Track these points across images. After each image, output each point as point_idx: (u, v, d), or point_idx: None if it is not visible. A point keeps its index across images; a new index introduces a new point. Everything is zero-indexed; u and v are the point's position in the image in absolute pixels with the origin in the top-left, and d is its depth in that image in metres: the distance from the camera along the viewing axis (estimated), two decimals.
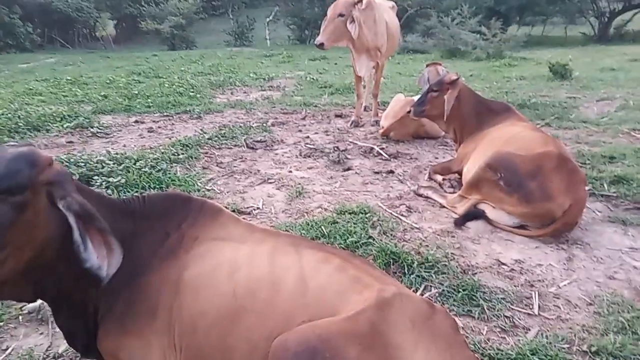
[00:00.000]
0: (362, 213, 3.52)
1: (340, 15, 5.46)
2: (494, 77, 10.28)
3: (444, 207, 3.73)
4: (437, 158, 4.95)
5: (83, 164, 4.16)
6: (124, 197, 3.62)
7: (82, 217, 1.34)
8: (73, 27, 25.84)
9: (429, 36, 17.88)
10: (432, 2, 21.12)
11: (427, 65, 6.10)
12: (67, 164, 4.21)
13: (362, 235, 3.12)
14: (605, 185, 3.94)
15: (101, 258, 1.35)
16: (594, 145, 5.04)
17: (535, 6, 21.66)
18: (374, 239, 3.10)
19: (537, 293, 2.62)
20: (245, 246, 1.64)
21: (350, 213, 3.54)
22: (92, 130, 5.93)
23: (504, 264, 2.94)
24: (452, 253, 3.02)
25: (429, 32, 17.92)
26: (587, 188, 3.39)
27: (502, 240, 3.23)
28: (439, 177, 4.20)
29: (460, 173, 3.98)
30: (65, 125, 6.05)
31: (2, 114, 6.30)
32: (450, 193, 3.91)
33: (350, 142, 5.52)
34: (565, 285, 2.71)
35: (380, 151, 5.07)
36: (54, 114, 6.46)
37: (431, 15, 18.22)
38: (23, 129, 5.84)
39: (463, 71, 11.35)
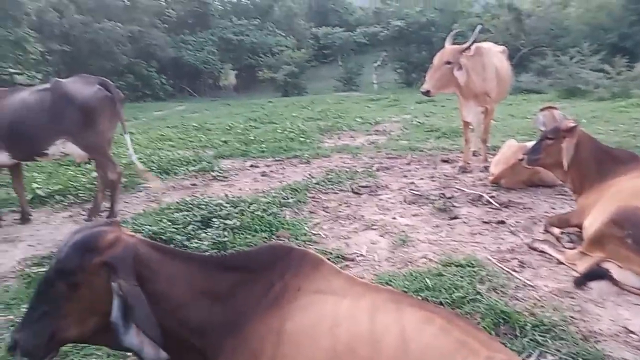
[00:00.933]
0: (470, 266, 3.40)
1: (448, 62, 5.47)
2: (619, 118, 9.44)
3: (561, 263, 3.46)
4: (554, 209, 4.63)
5: (204, 206, 4.55)
6: (239, 238, 3.91)
7: (125, 304, 1.46)
8: (200, 78, 28.72)
9: (544, 75, 17.04)
10: (548, 40, 20.18)
11: (541, 109, 5.84)
12: (190, 205, 4.65)
13: (470, 291, 3.00)
14: None
15: (140, 342, 1.44)
16: None
17: None
18: (482, 296, 2.97)
19: None
20: (346, 300, 1.64)
21: (456, 265, 3.43)
22: (212, 173, 6.49)
23: (632, 332, 2.63)
24: (571, 316, 2.78)
25: (544, 71, 17.07)
26: None
27: (631, 305, 2.90)
28: (557, 230, 3.91)
29: (580, 227, 3.68)
30: (190, 169, 6.69)
31: (139, 159, 7.14)
32: (569, 248, 3.63)
33: (458, 189, 5.39)
34: None
35: (490, 199, 4.88)
36: (181, 158, 7.19)
37: (546, 54, 17.35)
38: (155, 172, 6.57)
39: (584, 112, 10.60)
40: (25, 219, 5.01)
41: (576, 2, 23.34)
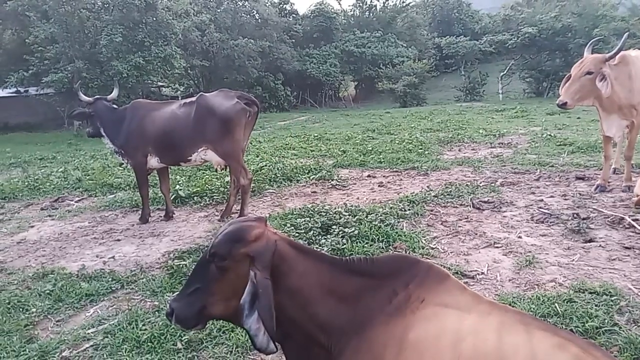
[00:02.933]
0: (607, 294, 3.10)
1: (588, 73, 5.05)
2: None
3: None
4: None
5: (324, 214, 4.74)
6: (357, 246, 4.01)
7: (255, 292, 1.62)
8: (321, 89, 29.82)
9: None
10: None
11: None
12: (311, 212, 4.87)
13: (606, 321, 2.75)
14: None
15: (257, 329, 1.60)
16: None
17: None
18: (620, 328, 2.70)
19: None
20: (471, 316, 1.61)
21: (590, 292, 3.16)
22: (332, 182, 6.71)
23: None
24: None
25: None
26: None
27: None
28: None
29: None
30: (311, 177, 7.00)
31: (265, 166, 7.66)
32: None
33: (594, 209, 4.93)
34: None
35: (634, 223, 4.38)
36: (303, 167, 7.54)
37: None
38: (279, 178, 6.99)
39: None
40: (169, 216, 5.66)
41: None
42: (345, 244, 4.06)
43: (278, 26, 27.01)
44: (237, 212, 5.42)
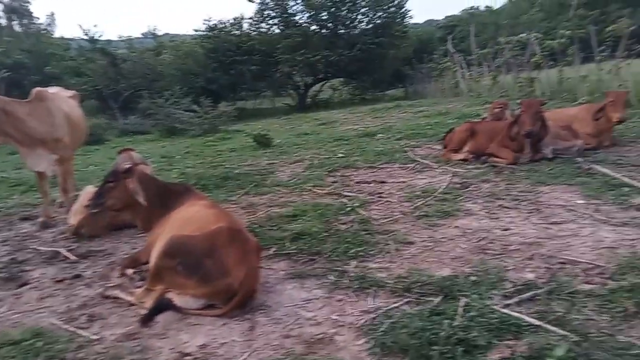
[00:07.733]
0: (26, 340, 2.93)
1: None
2: (207, 151, 10.73)
3: (133, 304, 3.44)
4: (134, 249, 4.64)
5: None
6: None
7: None
8: None
9: (148, 117, 17.86)
10: (146, 84, 21.31)
11: (119, 152, 5.87)
12: None
13: None
14: (287, 243, 4.30)
15: None
16: (283, 207, 5.54)
17: (243, 83, 24.12)
18: None
19: None
20: None
21: (10, 344, 2.91)
22: None
23: (188, 354, 2.80)
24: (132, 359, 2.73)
25: (146, 113, 17.91)
26: (261, 254, 3.61)
27: (191, 327, 3.11)
28: (130, 271, 3.90)
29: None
30: None
31: None
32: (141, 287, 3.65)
33: (33, 249, 4.76)
34: (245, 358, 2.72)
35: (67, 253, 4.49)
36: None
37: (144, 96, 18.29)
38: None
39: (180, 149, 11.57)
40: None
41: (168, 50, 25.67)
42: None
43: None
44: None
